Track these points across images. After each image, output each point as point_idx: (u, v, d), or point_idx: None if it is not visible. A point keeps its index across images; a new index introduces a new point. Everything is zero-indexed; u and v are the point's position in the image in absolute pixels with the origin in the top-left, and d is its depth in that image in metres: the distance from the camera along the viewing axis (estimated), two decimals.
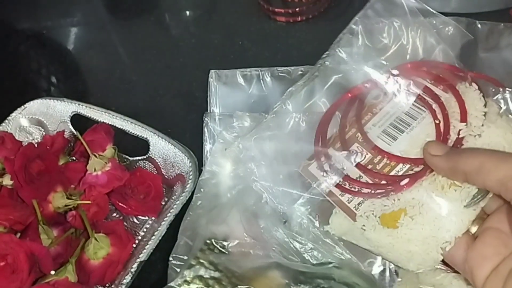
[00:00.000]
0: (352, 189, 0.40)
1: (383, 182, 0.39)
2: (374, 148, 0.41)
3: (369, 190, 0.39)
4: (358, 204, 0.39)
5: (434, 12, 0.52)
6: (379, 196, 0.39)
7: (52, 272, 0.43)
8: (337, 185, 0.40)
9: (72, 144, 0.53)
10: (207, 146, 0.48)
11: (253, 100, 0.49)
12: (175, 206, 0.46)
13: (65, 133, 0.53)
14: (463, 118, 0.39)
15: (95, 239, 0.45)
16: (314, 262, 0.39)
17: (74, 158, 0.52)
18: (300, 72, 0.49)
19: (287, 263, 0.38)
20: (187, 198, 0.46)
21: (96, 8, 0.76)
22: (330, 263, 0.39)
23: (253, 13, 0.67)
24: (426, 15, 0.53)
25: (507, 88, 0.43)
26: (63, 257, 0.45)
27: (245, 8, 0.68)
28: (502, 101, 0.43)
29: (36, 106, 0.54)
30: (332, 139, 0.43)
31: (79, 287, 0.42)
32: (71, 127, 0.53)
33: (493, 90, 0.43)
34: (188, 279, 0.36)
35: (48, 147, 0.50)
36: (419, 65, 0.45)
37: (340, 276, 0.38)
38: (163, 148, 0.50)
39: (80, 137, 0.48)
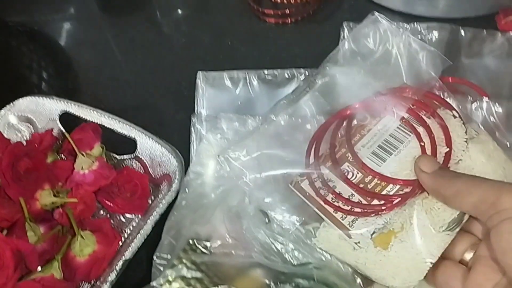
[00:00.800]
0: (345, 207, 0.41)
1: (375, 201, 0.40)
2: (364, 167, 0.42)
3: (361, 210, 0.40)
4: (352, 221, 0.40)
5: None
6: (372, 215, 0.40)
7: (39, 269, 0.43)
8: (329, 203, 0.41)
9: (60, 142, 0.53)
10: (194, 147, 0.48)
11: (240, 102, 0.50)
12: (160, 205, 0.46)
13: (54, 131, 0.53)
14: (448, 143, 0.41)
15: (81, 236, 0.45)
16: (295, 262, 0.40)
17: (62, 156, 0.52)
18: (287, 75, 0.50)
19: (268, 264, 0.38)
20: (173, 197, 0.47)
21: (88, 4, 0.76)
22: (311, 263, 0.40)
23: (243, 13, 0.67)
24: (411, 21, 0.54)
25: (485, 98, 0.44)
26: (49, 254, 0.46)
27: (235, 8, 0.68)
28: (480, 109, 0.44)
29: (25, 104, 0.54)
30: (323, 157, 0.44)
31: (64, 284, 0.43)
32: (59, 125, 0.53)
33: (471, 99, 0.44)
34: (170, 278, 0.37)
35: (36, 145, 0.51)
36: (403, 90, 0.46)
37: (320, 276, 0.39)
38: (150, 148, 0.51)
39: (67, 135, 0.49)
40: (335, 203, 0.41)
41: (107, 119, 0.52)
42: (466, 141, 0.41)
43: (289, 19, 0.65)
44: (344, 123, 0.45)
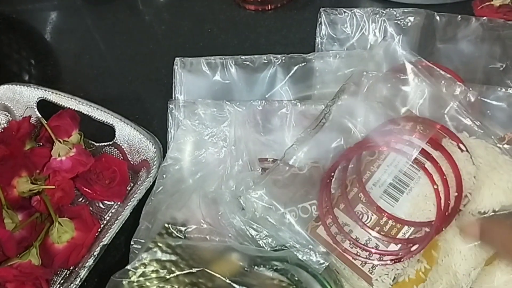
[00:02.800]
0: (363, 254, 0.40)
1: (392, 245, 0.40)
2: (378, 209, 0.41)
3: (379, 256, 0.40)
4: (372, 267, 0.40)
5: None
6: (391, 262, 0.39)
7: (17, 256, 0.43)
8: (348, 251, 0.40)
9: (38, 129, 0.53)
10: (171, 133, 0.49)
11: (217, 87, 0.50)
12: (138, 191, 0.47)
13: (32, 118, 0.53)
14: (459, 189, 0.41)
15: (59, 223, 0.45)
16: (269, 249, 0.40)
17: (40, 143, 0.52)
18: (264, 61, 0.50)
19: (243, 248, 0.39)
20: (151, 183, 0.47)
21: None
22: (284, 249, 0.40)
23: (224, 1, 0.67)
24: (388, 6, 0.54)
25: (458, 83, 0.44)
26: (28, 241, 0.46)
27: None
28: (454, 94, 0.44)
29: (2, 92, 0.54)
30: (335, 199, 0.43)
31: (42, 270, 0.43)
32: (37, 112, 0.53)
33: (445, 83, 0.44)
34: (145, 261, 0.37)
35: (13, 133, 0.50)
36: (406, 120, 0.45)
37: (294, 259, 0.39)
38: (128, 134, 0.51)
39: (44, 123, 0.49)
40: (353, 250, 0.40)
41: (85, 106, 0.52)
42: (475, 178, 0.41)
43: (269, 6, 0.65)
44: (354, 160, 0.44)
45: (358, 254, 0.40)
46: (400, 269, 0.39)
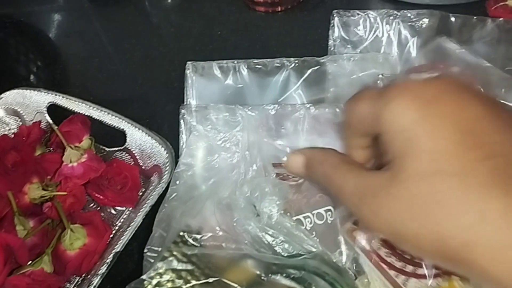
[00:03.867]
0: (398, 264, 0.39)
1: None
2: None
3: (413, 267, 0.38)
4: (406, 280, 0.38)
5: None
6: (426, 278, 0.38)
7: (29, 263, 0.43)
8: (384, 260, 0.39)
9: (49, 135, 0.53)
10: (183, 138, 0.48)
11: (230, 91, 0.50)
12: (151, 197, 0.46)
13: (42, 123, 0.52)
14: None
15: (71, 230, 0.45)
16: (285, 254, 0.39)
17: (51, 148, 0.52)
18: (276, 64, 0.49)
19: (259, 256, 0.38)
20: (163, 189, 0.46)
21: None
22: (301, 255, 0.39)
23: (233, 3, 0.67)
24: (401, 8, 0.54)
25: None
26: (39, 248, 0.45)
27: None
28: None
29: (12, 96, 0.53)
30: None
31: (54, 278, 0.43)
32: (47, 117, 0.53)
33: None
34: (161, 271, 0.36)
35: (24, 138, 0.50)
36: None
37: (311, 266, 0.39)
38: (139, 139, 0.50)
39: (55, 128, 0.48)
40: (388, 259, 0.39)
41: (95, 111, 0.51)
42: None
43: (279, 8, 0.64)
44: None
45: (393, 263, 0.39)
46: (434, 285, 0.38)
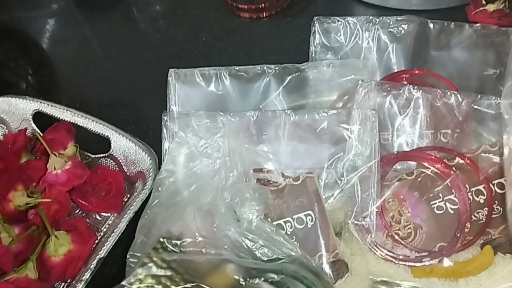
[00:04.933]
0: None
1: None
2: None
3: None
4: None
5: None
6: None
7: (13, 270, 0.43)
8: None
9: (34, 142, 0.53)
10: (166, 145, 0.49)
11: (212, 98, 0.50)
12: (134, 203, 0.47)
13: (27, 131, 0.53)
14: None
15: (56, 236, 0.45)
16: (265, 259, 0.40)
17: (36, 156, 0.52)
18: (257, 71, 0.50)
19: (239, 260, 0.39)
20: (147, 195, 0.47)
21: (63, 1, 0.76)
22: (280, 259, 0.40)
23: (218, 9, 0.67)
24: (384, 13, 0.54)
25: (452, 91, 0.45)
26: (24, 254, 0.46)
27: (210, 3, 0.68)
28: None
29: None
30: None
31: (39, 284, 0.43)
32: (33, 125, 0.53)
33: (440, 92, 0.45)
34: (140, 277, 0.37)
35: (9, 146, 0.51)
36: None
37: (290, 270, 0.39)
38: (124, 146, 0.51)
39: (39, 136, 0.49)
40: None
41: (80, 118, 0.52)
42: None
43: (263, 14, 0.65)
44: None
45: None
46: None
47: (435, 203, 0.44)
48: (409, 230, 0.44)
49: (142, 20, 0.72)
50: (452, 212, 0.44)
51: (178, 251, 0.39)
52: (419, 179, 0.45)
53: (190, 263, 0.38)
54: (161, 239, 0.39)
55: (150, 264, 0.38)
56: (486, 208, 0.43)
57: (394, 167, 0.46)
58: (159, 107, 0.54)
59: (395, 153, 0.47)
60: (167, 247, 0.39)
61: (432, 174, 0.45)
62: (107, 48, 0.67)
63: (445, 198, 0.44)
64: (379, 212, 0.44)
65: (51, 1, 0.76)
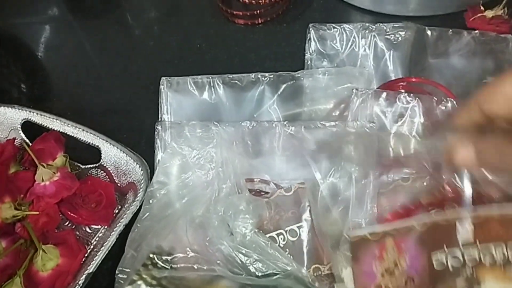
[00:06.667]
0: None
1: None
2: None
3: None
4: None
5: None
6: None
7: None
8: None
9: (23, 152, 0.52)
10: (159, 155, 0.47)
11: (205, 107, 0.49)
12: (125, 215, 0.45)
13: (16, 140, 0.52)
14: None
15: (43, 250, 0.44)
16: (259, 274, 0.39)
17: (25, 166, 0.51)
18: (251, 79, 0.49)
19: (232, 277, 0.38)
20: (137, 207, 0.46)
21: (57, 7, 0.75)
22: (275, 274, 0.39)
23: (213, 15, 0.66)
24: (381, 20, 0.54)
25: (449, 99, 0.44)
26: (12, 269, 0.44)
27: (204, 10, 0.67)
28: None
29: None
30: None
31: None
32: (22, 134, 0.52)
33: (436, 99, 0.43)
34: None
35: None
36: None
37: (284, 286, 0.38)
38: (114, 156, 0.50)
39: (26, 147, 0.48)
40: None
41: (70, 127, 0.51)
42: None
43: (258, 20, 0.64)
44: None
45: None
46: None
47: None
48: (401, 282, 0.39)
49: (136, 27, 0.71)
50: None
51: (169, 267, 0.38)
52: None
53: (182, 280, 0.37)
54: (151, 255, 0.38)
55: (139, 282, 0.36)
56: None
57: (390, 174, 0.45)
58: (153, 115, 0.53)
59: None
60: (157, 263, 0.38)
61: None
62: (100, 55, 0.66)
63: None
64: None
65: (45, 7, 0.75)
